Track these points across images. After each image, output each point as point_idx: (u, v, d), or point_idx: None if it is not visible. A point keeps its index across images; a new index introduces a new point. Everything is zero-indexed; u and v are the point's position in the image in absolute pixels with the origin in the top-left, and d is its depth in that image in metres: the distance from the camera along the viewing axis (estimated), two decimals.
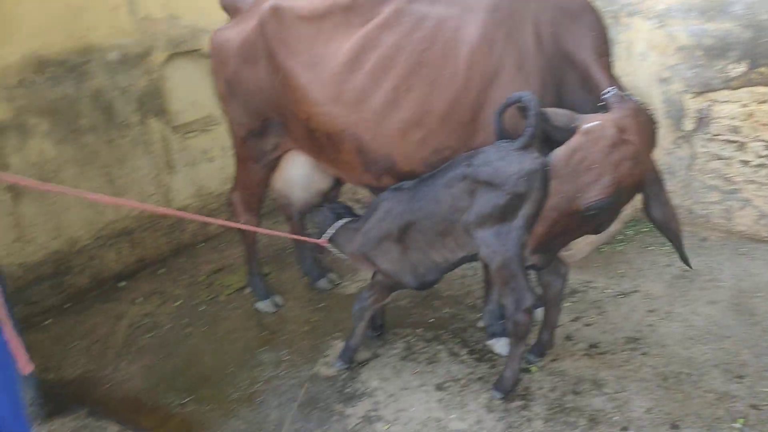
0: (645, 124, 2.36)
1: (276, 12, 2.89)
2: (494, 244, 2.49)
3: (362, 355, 3.09)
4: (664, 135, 3.88)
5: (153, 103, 4.00)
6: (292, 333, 3.34)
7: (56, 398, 2.90)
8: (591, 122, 2.30)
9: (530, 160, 2.39)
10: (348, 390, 2.88)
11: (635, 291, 3.43)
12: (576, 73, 2.52)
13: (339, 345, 3.16)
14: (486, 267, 3.02)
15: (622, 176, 2.27)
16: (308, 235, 3.34)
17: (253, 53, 2.98)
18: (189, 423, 2.78)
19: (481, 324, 3.22)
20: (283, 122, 3.06)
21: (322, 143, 2.92)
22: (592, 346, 3.04)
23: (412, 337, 3.21)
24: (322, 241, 2.99)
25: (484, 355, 3.03)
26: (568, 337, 3.11)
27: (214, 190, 4.46)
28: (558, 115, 2.39)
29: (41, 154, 3.55)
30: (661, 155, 3.91)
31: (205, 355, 3.23)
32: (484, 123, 2.60)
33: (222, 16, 4.06)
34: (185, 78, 4.20)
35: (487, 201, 2.46)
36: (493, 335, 3.05)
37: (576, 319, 3.25)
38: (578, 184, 2.28)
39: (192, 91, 4.26)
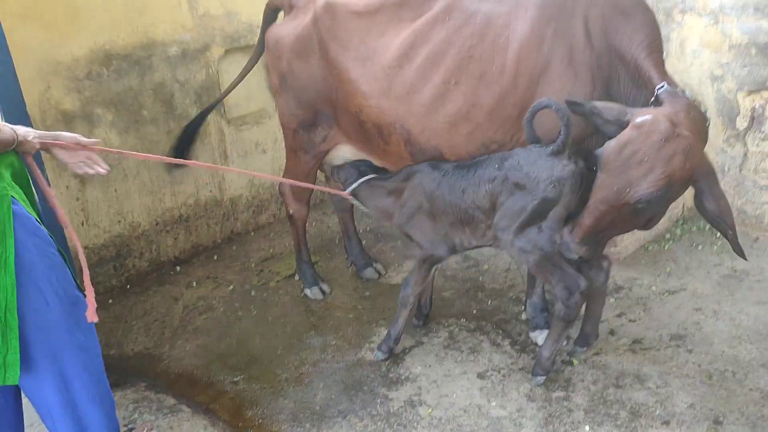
0: (697, 119, 2.36)
1: (329, 8, 2.99)
2: (525, 245, 2.57)
3: (406, 342, 3.18)
4: (717, 133, 3.84)
5: (210, 96, 4.15)
6: (339, 319, 3.45)
7: (118, 372, 3.07)
8: (643, 116, 2.31)
9: (561, 167, 2.46)
10: (392, 375, 2.97)
11: (682, 289, 3.42)
12: (626, 69, 2.53)
13: (383, 332, 3.25)
14: None
15: (673, 170, 2.27)
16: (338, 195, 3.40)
17: (306, 47, 3.09)
18: (240, 399, 2.92)
19: (523, 316, 3.26)
20: (333, 114, 3.17)
21: (371, 135, 3.01)
22: (636, 341, 3.05)
23: (455, 327, 3.28)
24: (346, 194, 3.11)
25: (525, 347, 3.08)
26: (612, 332, 3.13)
27: (265, 181, 4.61)
28: (609, 109, 2.42)
29: (106, 143, 3.75)
30: (713, 154, 3.87)
31: (255, 337, 3.37)
32: None
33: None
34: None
35: (517, 204, 2.53)
36: (536, 327, 3.10)
37: (620, 315, 3.26)
38: (629, 177, 2.29)
39: (247, 85, 4.38)
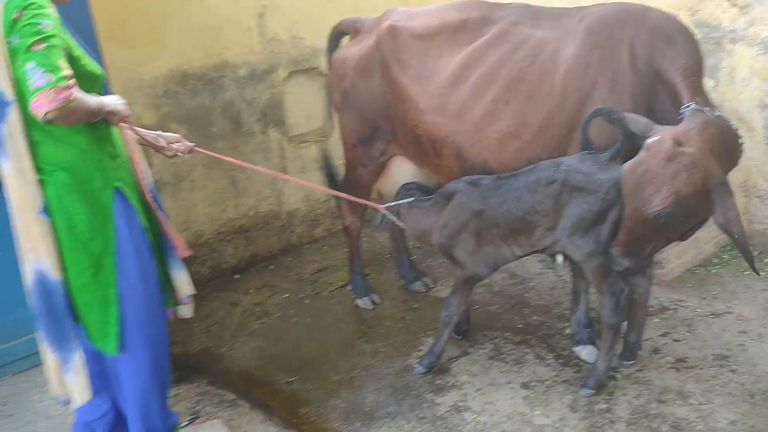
0: (713, 135, 2.46)
1: (392, 31, 3.23)
2: (589, 246, 2.71)
3: (452, 352, 3.31)
4: (765, 160, 3.88)
5: (273, 115, 4.43)
6: (388, 328, 3.61)
7: (182, 368, 3.29)
8: (653, 137, 2.46)
9: (617, 171, 2.59)
10: (438, 382, 3.11)
11: (728, 312, 3.46)
12: (667, 92, 2.66)
13: (430, 342, 3.39)
14: (574, 276, 3.18)
15: (679, 186, 2.38)
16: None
17: (369, 67, 3.33)
18: (295, 398, 3.10)
19: (568, 331, 3.36)
20: (390, 130, 3.38)
21: (425, 149, 3.21)
22: (680, 360, 3.11)
23: (500, 340, 3.40)
24: (380, 206, 3.24)
25: (569, 361, 3.17)
26: (656, 350, 3.19)
27: (321, 196, 4.83)
28: (636, 122, 2.57)
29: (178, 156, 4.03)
30: (761, 179, 3.91)
31: (309, 342, 3.55)
32: (576, 137, 2.80)
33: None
34: (302, 93, 4.62)
35: (580, 207, 2.66)
36: (579, 342, 3.19)
37: (665, 335, 3.32)
38: (643, 195, 2.43)
39: (307, 105, 4.67)
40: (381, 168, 3.56)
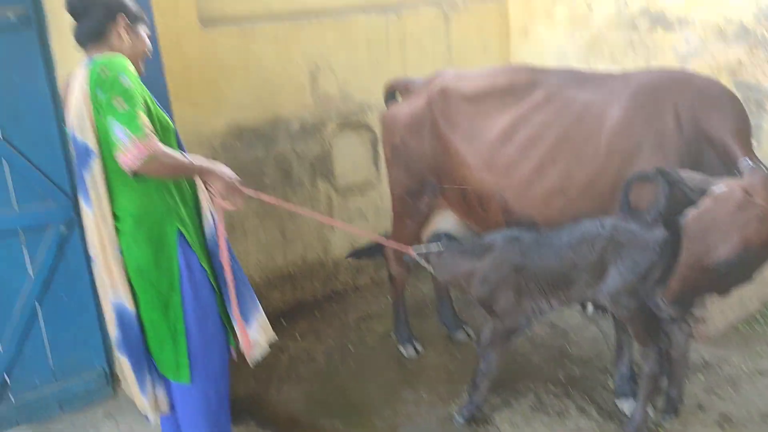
0: None
1: (443, 92, 3.42)
2: (633, 303, 2.80)
3: (494, 401, 3.37)
4: None
5: (322, 167, 4.64)
6: (431, 377, 3.69)
7: (230, 410, 3.41)
8: (720, 187, 2.53)
9: (662, 231, 2.69)
10: (481, 431, 3.16)
11: None
12: (715, 151, 2.75)
13: None
14: (617, 329, 3.23)
15: (749, 235, 2.43)
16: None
17: (420, 125, 3.50)
18: None
19: (611, 384, 3.39)
20: (438, 184, 3.54)
21: (472, 204, 3.36)
22: (724, 418, 3.11)
23: (542, 391, 3.44)
24: (408, 248, 3.30)
25: (612, 415, 3.20)
26: (700, 407, 3.20)
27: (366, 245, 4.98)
28: (692, 179, 2.65)
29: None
30: None
31: (353, 388, 3.65)
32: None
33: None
34: (350, 146, 4.83)
35: (626, 264, 2.76)
36: (622, 395, 3.22)
37: (709, 392, 3.32)
38: (708, 242, 2.48)
39: (355, 158, 4.88)
40: (427, 219, 3.70)
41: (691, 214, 2.57)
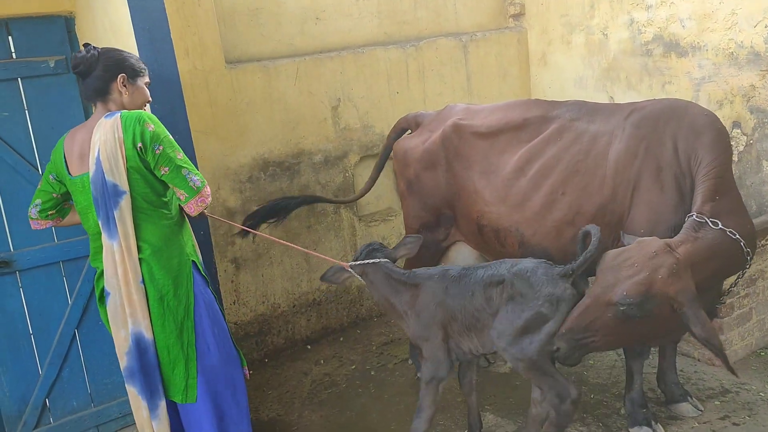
0: (702, 250, 2.61)
1: (457, 129, 3.51)
2: (516, 353, 2.74)
3: (509, 427, 3.42)
4: None
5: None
6: (447, 402, 3.76)
7: None
8: (649, 238, 2.66)
9: (562, 289, 2.69)
10: None
11: None
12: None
13: (489, 416, 3.53)
14: (627, 356, 3.25)
15: (655, 279, 2.48)
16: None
17: (434, 160, 3.60)
18: None
19: (623, 411, 3.40)
20: (453, 217, 3.63)
21: (488, 237, 3.44)
22: None
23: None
24: (347, 265, 3.13)
25: None
26: None
27: None
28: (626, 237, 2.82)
29: (257, 236, 4.45)
30: None
31: (373, 412, 3.75)
32: (628, 224, 2.97)
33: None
34: None
35: (514, 312, 2.72)
36: (635, 423, 3.23)
37: (724, 418, 3.30)
38: (617, 276, 2.55)
39: (377, 187, 4.98)
40: (443, 252, 3.79)
41: (612, 251, 2.67)
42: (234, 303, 4.41)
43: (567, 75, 5.14)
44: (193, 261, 2.72)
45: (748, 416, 3.29)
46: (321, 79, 4.59)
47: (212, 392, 2.72)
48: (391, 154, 3.99)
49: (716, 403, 3.43)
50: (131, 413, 3.83)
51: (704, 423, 3.26)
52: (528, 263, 2.81)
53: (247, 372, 2.90)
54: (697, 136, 2.85)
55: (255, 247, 4.46)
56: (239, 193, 4.36)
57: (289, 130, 4.51)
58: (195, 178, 2.62)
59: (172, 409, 2.81)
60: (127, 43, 3.14)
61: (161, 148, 2.55)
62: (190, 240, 2.78)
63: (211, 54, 4.15)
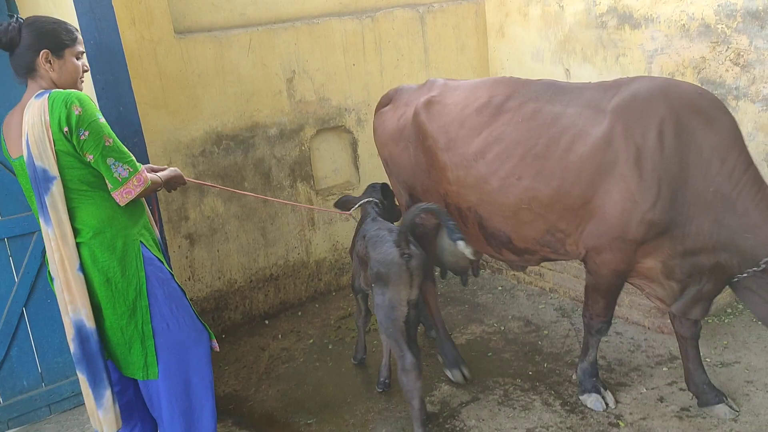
0: None
1: (428, 105, 3.41)
2: (375, 302, 3.10)
3: (463, 397, 3.47)
4: None
5: (302, 170, 4.74)
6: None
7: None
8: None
9: (385, 255, 3.03)
10: (448, 426, 3.26)
11: (736, 362, 3.52)
12: (702, 166, 2.71)
13: (444, 387, 3.56)
14: (585, 328, 3.32)
15: None
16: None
17: (405, 137, 3.52)
18: None
19: (573, 377, 3.48)
20: (424, 196, 3.54)
21: (454, 216, 3.31)
22: (684, 409, 3.19)
23: (510, 386, 3.54)
24: (349, 213, 3.72)
25: (575, 408, 3.28)
26: (661, 399, 3.28)
27: (348, 246, 5.08)
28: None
29: (213, 209, 4.38)
30: None
31: (329, 385, 3.76)
32: (595, 209, 2.88)
33: (363, 97, 4.79)
34: (329, 149, 4.94)
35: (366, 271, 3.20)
36: (584, 391, 3.30)
37: (672, 384, 3.40)
38: None
39: (334, 160, 4.99)
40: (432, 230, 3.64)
41: None
42: (189, 279, 4.34)
43: (524, 47, 5.13)
44: (141, 241, 2.60)
45: None
46: (275, 50, 4.50)
47: (174, 368, 2.65)
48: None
49: (664, 369, 3.52)
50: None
51: (653, 389, 3.35)
52: (384, 226, 3.28)
53: (216, 344, 2.84)
54: (703, 120, 2.70)
55: (210, 223, 4.39)
56: (192, 167, 4.27)
57: (243, 103, 4.42)
58: (121, 169, 2.45)
59: (137, 387, 2.78)
60: (66, 13, 3.02)
61: (86, 133, 2.39)
62: (140, 219, 2.65)
63: (159, 24, 4.02)
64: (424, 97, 3.46)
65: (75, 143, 2.41)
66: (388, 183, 3.84)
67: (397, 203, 3.86)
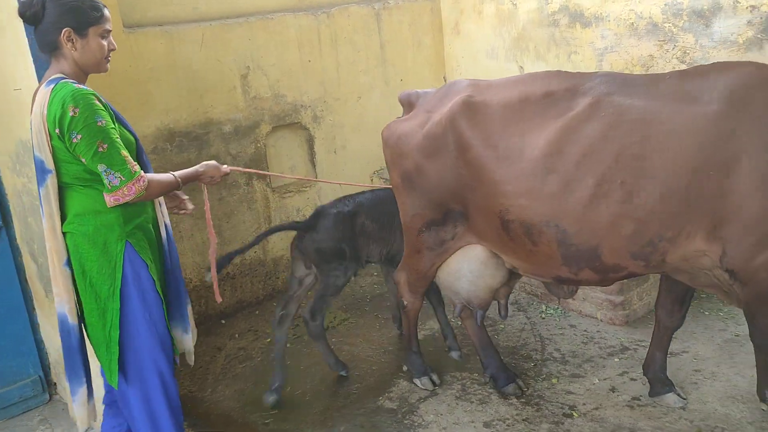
0: None
1: (468, 107, 2.92)
2: None
3: (422, 393, 3.48)
4: None
5: (258, 167, 4.68)
6: (363, 370, 3.79)
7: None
8: None
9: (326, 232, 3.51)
10: (407, 421, 3.27)
11: (685, 352, 3.63)
12: None
13: (402, 383, 3.58)
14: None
15: None
16: None
17: (440, 147, 2.99)
18: None
19: (532, 371, 3.52)
20: (464, 213, 3.07)
21: (516, 235, 2.89)
22: (635, 398, 3.27)
23: (467, 381, 3.57)
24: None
25: (531, 400, 3.34)
26: (613, 389, 3.36)
27: None
28: None
29: None
30: None
31: (287, 384, 3.72)
32: (726, 210, 2.53)
33: (319, 94, 4.76)
34: (285, 146, 4.90)
35: None
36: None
37: (623, 374, 3.48)
38: None
39: (290, 157, 4.95)
40: (448, 253, 3.23)
41: None
42: None
43: (479, 45, 5.18)
44: (129, 242, 2.50)
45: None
46: (229, 45, 4.43)
47: (140, 374, 2.58)
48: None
49: (616, 360, 3.61)
50: (33, 397, 3.72)
51: (605, 380, 3.43)
52: (338, 203, 3.69)
53: (177, 359, 2.78)
54: None
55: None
56: None
57: (197, 99, 4.34)
58: (112, 177, 2.35)
59: None
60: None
61: (79, 137, 2.30)
62: (135, 219, 2.54)
63: None
64: (460, 98, 2.95)
65: (67, 144, 2.34)
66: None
67: None
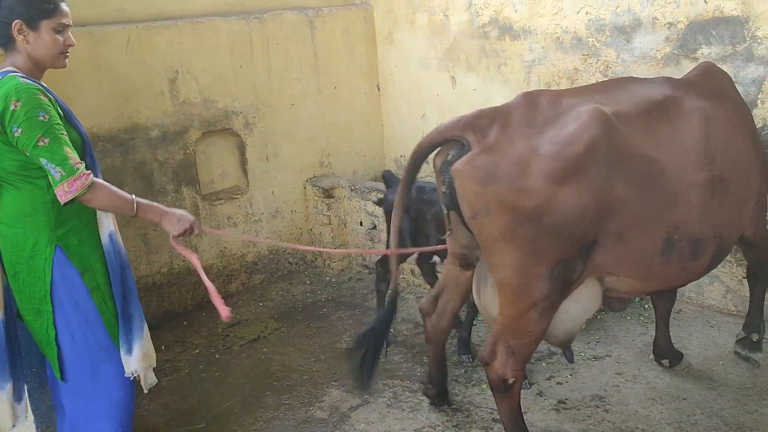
0: None
1: (608, 118, 2.57)
2: None
3: (353, 401, 3.46)
4: None
5: (186, 174, 4.57)
6: (294, 380, 3.73)
7: None
8: None
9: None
10: (338, 431, 3.24)
11: (607, 355, 3.75)
12: None
13: (334, 392, 3.55)
14: None
15: None
16: None
17: (579, 168, 2.51)
18: None
19: (463, 378, 3.56)
20: (595, 243, 2.61)
21: (680, 254, 2.71)
22: (561, 402, 3.35)
23: (399, 388, 3.57)
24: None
25: (461, 407, 3.37)
26: (540, 393, 3.43)
27: (236, 251, 4.96)
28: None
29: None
30: None
31: (216, 396, 3.63)
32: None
33: (251, 100, 4.68)
34: (216, 153, 4.80)
35: None
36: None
37: (549, 378, 3.57)
38: None
39: (221, 164, 4.85)
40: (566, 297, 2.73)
41: None
42: None
43: (412, 54, 5.24)
44: (58, 246, 2.41)
45: (570, 375, 3.58)
46: (156, 48, 4.31)
47: (76, 380, 2.54)
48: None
49: (543, 365, 3.69)
50: None
51: (533, 384, 3.50)
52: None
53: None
54: None
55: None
56: None
57: (122, 103, 4.20)
58: (53, 170, 2.28)
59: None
60: None
61: (19, 131, 2.24)
62: (69, 222, 2.44)
63: None
64: (593, 111, 2.56)
65: (10, 138, 2.28)
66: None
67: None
